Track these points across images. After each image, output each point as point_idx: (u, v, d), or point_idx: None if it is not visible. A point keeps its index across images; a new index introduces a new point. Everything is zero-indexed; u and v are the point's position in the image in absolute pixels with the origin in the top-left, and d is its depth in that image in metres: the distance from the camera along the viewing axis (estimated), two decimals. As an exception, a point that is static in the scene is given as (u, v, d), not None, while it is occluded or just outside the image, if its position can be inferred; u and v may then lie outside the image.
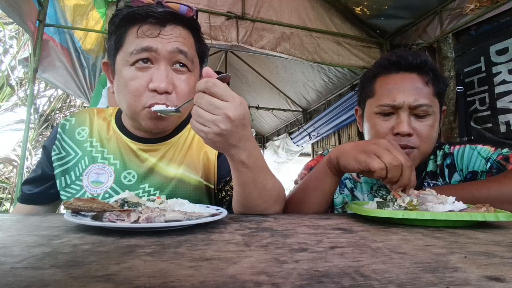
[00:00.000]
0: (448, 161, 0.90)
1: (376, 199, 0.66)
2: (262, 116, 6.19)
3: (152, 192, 0.77)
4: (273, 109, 5.47)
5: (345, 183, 1.00)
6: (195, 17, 0.76)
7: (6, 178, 4.71)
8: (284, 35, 3.19)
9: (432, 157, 0.93)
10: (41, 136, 5.18)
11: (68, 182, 0.77)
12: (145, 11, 0.68)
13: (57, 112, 5.20)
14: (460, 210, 0.56)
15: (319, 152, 6.34)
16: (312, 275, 0.27)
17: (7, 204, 4.55)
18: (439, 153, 0.93)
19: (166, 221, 0.46)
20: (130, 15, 0.69)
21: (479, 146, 0.86)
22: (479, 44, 2.71)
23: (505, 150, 0.82)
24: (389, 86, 0.85)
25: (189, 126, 0.86)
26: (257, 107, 5.48)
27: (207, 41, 3.10)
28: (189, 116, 0.86)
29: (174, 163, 0.80)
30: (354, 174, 0.99)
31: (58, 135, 0.81)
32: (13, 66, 4.67)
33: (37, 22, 2.41)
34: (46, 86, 5.11)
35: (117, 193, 0.75)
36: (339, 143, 4.82)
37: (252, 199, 0.66)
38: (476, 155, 0.85)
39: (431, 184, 0.91)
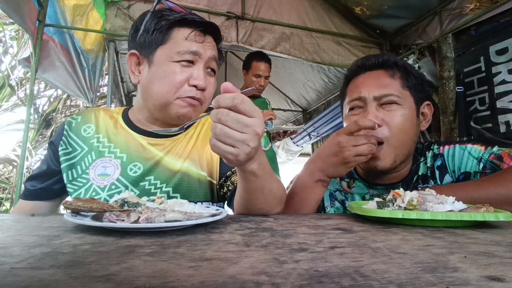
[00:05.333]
0: (438, 162, 0.90)
1: (376, 199, 0.66)
2: (262, 116, 6.18)
3: (158, 185, 0.80)
4: (273, 109, 5.45)
5: (335, 195, 0.99)
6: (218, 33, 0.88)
7: (6, 178, 4.71)
8: (284, 35, 3.19)
9: (422, 159, 0.92)
10: (41, 136, 5.18)
11: (75, 175, 0.80)
12: (194, 19, 0.80)
13: (58, 113, 5.20)
14: (460, 210, 0.56)
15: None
16: (312, 275, 0.27)
17: (7, 204, 4.55)
18: (429, 154, 0.92)
19: (166, 221, 0.46)
20: (182, 19, 0.79)
21: (469, 146, 0.86)
22: (479, 44, 2.71)
23: (495, 149, 0.82)
24: (356, 83, 0.90)
25: (195, 125, 0.92)
26: (257, 107, 5.46)
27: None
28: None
29: (180, 157, 0.84)
30: (345, 185, 0.99)
31: (64, 132, 0.84)
32: (13, 66, 4.67)
33: (37, 22, 2.41)
34: (46, 86, 5.11)
35: (124, 184, 0.78)
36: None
37: (257, 204, 0.67)
38: (467, 155, 0.85)
39: (423, 189, 0.91)
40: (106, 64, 3.18)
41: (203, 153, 0.86)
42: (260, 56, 2.45)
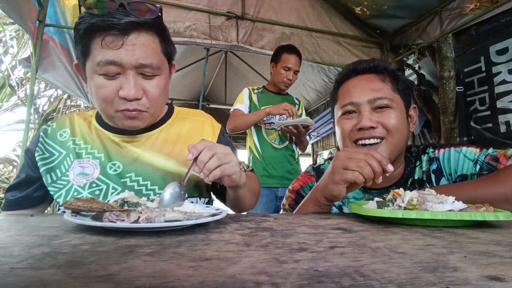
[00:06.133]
0: (434, 166, 0.90)
1: (376, 198, 0.66)
2: (262, 116, 6.18)
3: (141, 182, 0.80)
4: (273, 109, 5.46)
5: None
6: (159, 14, 0.74)
7: (6, 178, 4.71)
8: (284, 35, 3.18)
9: (418, 163, 0.93)
10: (41, 136, 5.18)
11: (54, 178, 0.79)
12: (106, 22, 0.68)
13: (59, 113, 5.20)
14: (460, 210, 0.56)
15: (319, 152, 6.33)
16: (312, 275, 0.27)
17: (7, 204, 4.54)
18: (424, 158, 0.92)
19: (166, 221, 0.46)
20: (93, 25, 0.69)
21: (464, 148, 0.86)
22: (479, 44, 2.71)
23: (490, 150, 0.82)
24: (348, 87, 0.91)
25: (170, 121, 0.91)
26: (257, 107, 5.47)
27: (207, 41, 3.09)
28: (171, 110, 0.94)
29: (160, 153, 0.84)
30: None
31: (40, 139, 0.84)
32: (14, 66, 4.67)
33: (37, 22, 2.41)
34: (46, 86, 5.10)
35: (104, 183, 0.78)
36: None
37: (246, 203, 0.85)
38: (462, 158, 0.85)
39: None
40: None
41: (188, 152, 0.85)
42: (292, 49, 2.30)
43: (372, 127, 0.83)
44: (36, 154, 0.81)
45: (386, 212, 0.56)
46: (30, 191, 0.82)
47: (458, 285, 0.25)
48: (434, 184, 0.89)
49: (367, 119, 0.83)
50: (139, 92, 0.73)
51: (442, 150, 0.90)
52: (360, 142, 0.85)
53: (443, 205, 0.57)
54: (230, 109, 2.36)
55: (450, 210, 0.56)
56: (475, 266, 0.30)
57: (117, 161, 0.81)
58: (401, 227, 0.53)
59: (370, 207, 0.62)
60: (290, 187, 1.05)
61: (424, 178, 0.90)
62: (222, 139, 0.95)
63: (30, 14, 2.27)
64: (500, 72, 2.54)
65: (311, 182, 1.03)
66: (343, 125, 0.90)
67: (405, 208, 0.58)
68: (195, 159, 0.64)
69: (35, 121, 4.91)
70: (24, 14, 2.14)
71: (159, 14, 0.74)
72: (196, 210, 0.57)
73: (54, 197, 0.78)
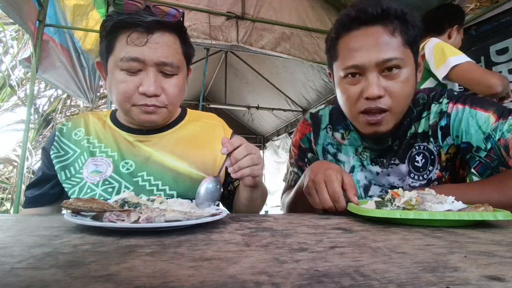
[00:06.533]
0: (443, 122, 0.81)
1: (375, 198, 0.66)
2: (262, 116, 6.18)
3: (152, 182, 0.81)
4: (273, 109, 5.46)
5: (327, 149, 0.97)
6: (181, 19, 0.81)
7: (6, 178, 4.71)
8: (284, 35, 3.18)
9: (425, 113, 0.84)
10: (41, 136, 5.18)
11: (68, 175, 0.81)
12: (133, 19, 0.73)
13: (59, 113, 5.20)
14: (459, 210, 0.56)
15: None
16: (312, 275, 0.27)
17: (7, 204, 4.55)
18: (434, 108, 0.82)
19: (166, 221, 0.46)
20: (120, 22, 0.74)
21: (479, 113, 0.76)
22: (479, 44, 2.71)
23: (506, 126, 0.73)
24: (351, 45, 0.76)
25: (183, 123, 0.93)
26: (257, 107, 5.47)
27: (207, 41, 3.09)
28: (184, 112, 0.96)
29: (172, 154, 0.85)
30: (339, 137, 0.96)
31: (56, 137, 0.86)
32: (14, 66, 4.67)
33: (37, 22, 2.41)
34: (46, 86, 5.11)
35: (116, 180, 0.80)
36: (339, 143, 4.82)
37: (257, 205, 0.85)
38: (475, 126, 0.76)
39: (421, 147, 0.85)
40: (106, 64, 3.18)
41: (200, 153, 0.88)
42: None
43: (380, 96, 0.74)
44: (52, 152, 0.84)
45: (383, 212, 0.56)
46: (47, 189, 0.84)
47: (458, 285, 0.25)
48: (440, 141, 0.83)
49: (375, 87, 0.73)
50: (158, 89, 0.76)
51: (456, 107, 0.80)
52: (366, 118, 0.78)
53: (442, 205, 0.57)
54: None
55: (448, 210, 0.56)
56: (475, 266, 0.30)
57: (130, 159, 0.83)
58: (401, 227, 0.53)
59: (369, 207, 0.62)
60: (292, 139, 1.05)
61: (430, 133, 0.83)
62: None
63: (30, 14, 2.27)
64: (501, 72, 2.54)
65: (308, 132, 1.01)
66: (347, 91, 0.80)
67: (404, 208, 0.58)
68: (229, 154, 0.65)
69: (35, 121, 4.92)
70: (24, 14, 2.14)
71: (181, 18, 0.81)
72: (196, 210, 0.57)
73: (68, 194, 0.80)
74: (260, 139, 7.22)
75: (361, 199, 0.86)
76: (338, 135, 0.97)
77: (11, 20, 3.01)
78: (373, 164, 0.91)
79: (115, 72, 0.76)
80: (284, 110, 5.53)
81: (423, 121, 0.84)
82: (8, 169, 4.89)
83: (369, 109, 0.77)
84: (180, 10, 0.80)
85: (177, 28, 0.80)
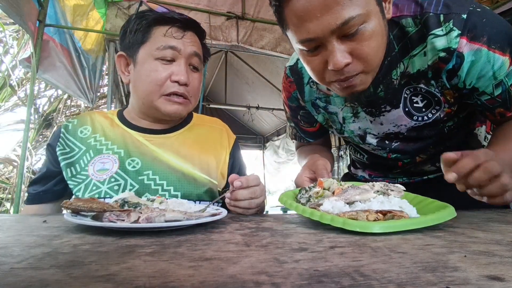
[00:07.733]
0: (450, 65, 0.66)
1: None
2: (262, 116, 6.18)
3: (158, 181, 0.82)
4: (273, 109, 5.46)
5: (317, 103, 0.92)
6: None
7: (6, 178, 4.71)
8: (284, 35, 3.19)
9: (417, 49, 0.69)
10: (41, 136, 5.18)
11: (74, 173, 0.82)
12: (173, 16, 0.84)
13: (59, 113, 5.20)
14: (345, 212, 0.49)
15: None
16: (312, 275, 0.27)
17: (7, 204, 4.54)
18: (435, 42, 0.66)
19: (166, 221, 0.46)
20: (160, 17, 0.83)
21: (497, 56, 0.64)
22: (479, 44, 2.71)
23: None
24: (298, 12, 0.61)
25: (189, 126, 0.96)
26: (257, 107, 5.47)
27: (207, 41, 3.09)
28: (190, 116, 0.99)
29: (178, 155, 0.87)
30: (324, 88, 0.85)
31: (61, 134, 0.87)
32: (14, 66, 4.67)
33: (37, 22, 2.41)
34: (46, 86, 5.10)
35: (122, 177, 0.80)
36: (339, 142, 4.83)
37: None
38: (490, 72, 0.66)
39: (418, 89, 0.74)
40: (107, 64, 3.19)
41: (204, 156, 0.90)
42: None
43: (347, 64, 0.63)
44: (57, 149, 0.84)
45: (283, 200, 0.59)
46: (50, 185, 0.85)
47: (458, 285, 0.25)
48: (446, 83, 0.69)
49: (339, 57, 0.62)
50: (189, 79, 0.83)
51: (471, 47, 0.64)
52: (339, 84, 0.69)
53: (345, 206, 0.51)
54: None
55: (349, 212, 0.49)
56: (475, 266, 0.30)
57: (136, 157, 0.84)
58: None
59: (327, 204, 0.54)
60: (282, 97, 1.03)
61: (430, 75, 0.69)
62: (236, 150, 0.99)
63: (30, 14, 2.27)
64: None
65: (293, 90, 0.94)
66: (309, 63, 0.69)
67: (309, 199, 0.56)
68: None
69: (35, 121, 4.92)
70: (24, 14, 2.14)
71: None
72: (196, 209, 0.57)
73: (73, 191, 0.80)
74: (260, 139, 7.22)
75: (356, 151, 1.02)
76: (323, 87, 0.87)
77: (11, 20, 3.02)
78: (365, 113, 0.84)
79: (148, 61, 0.81)
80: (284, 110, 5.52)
81: (416, 59, 0.70)
82: (8, 169, 4.89)
83: (339, 79, 0.67)
84: (195, 21, 0.89)
85: (201, 33, 0.91)
